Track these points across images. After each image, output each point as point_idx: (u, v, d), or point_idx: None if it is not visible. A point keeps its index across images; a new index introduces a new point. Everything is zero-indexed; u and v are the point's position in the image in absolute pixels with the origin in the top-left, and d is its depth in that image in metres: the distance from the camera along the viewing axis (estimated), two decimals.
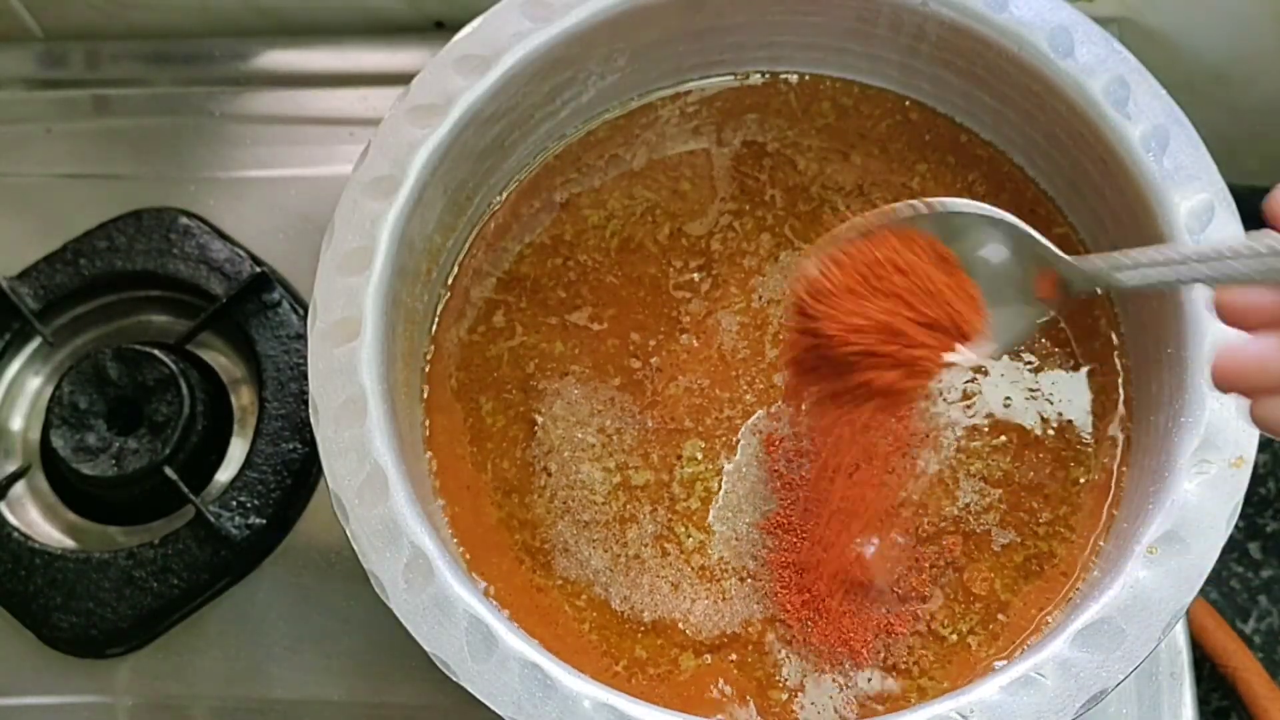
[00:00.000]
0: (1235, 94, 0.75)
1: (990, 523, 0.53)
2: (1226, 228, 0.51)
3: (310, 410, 0.50)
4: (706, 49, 0.60)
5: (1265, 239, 0.36)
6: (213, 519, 0.61)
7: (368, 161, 0.53)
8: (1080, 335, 0.56)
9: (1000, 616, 0.52)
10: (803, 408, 0.55)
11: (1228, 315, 0.37)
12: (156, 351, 0.64)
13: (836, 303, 0.45)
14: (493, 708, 0.45)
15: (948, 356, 0.45)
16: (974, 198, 0.58)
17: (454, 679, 0.46)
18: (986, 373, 0.55)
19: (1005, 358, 0.56)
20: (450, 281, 0.58)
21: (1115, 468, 0.54)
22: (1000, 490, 0.54)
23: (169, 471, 0.62)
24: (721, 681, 0.51)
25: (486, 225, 0.59)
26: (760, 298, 0.57)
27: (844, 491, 0.53)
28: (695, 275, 0.58)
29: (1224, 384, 0.37)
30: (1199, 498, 0.47)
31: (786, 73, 0.61)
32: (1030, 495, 0.53)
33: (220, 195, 0.70)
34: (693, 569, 0.53)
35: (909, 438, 0.54)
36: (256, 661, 0.60)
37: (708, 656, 0.51)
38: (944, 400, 0.55)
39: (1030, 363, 0.56)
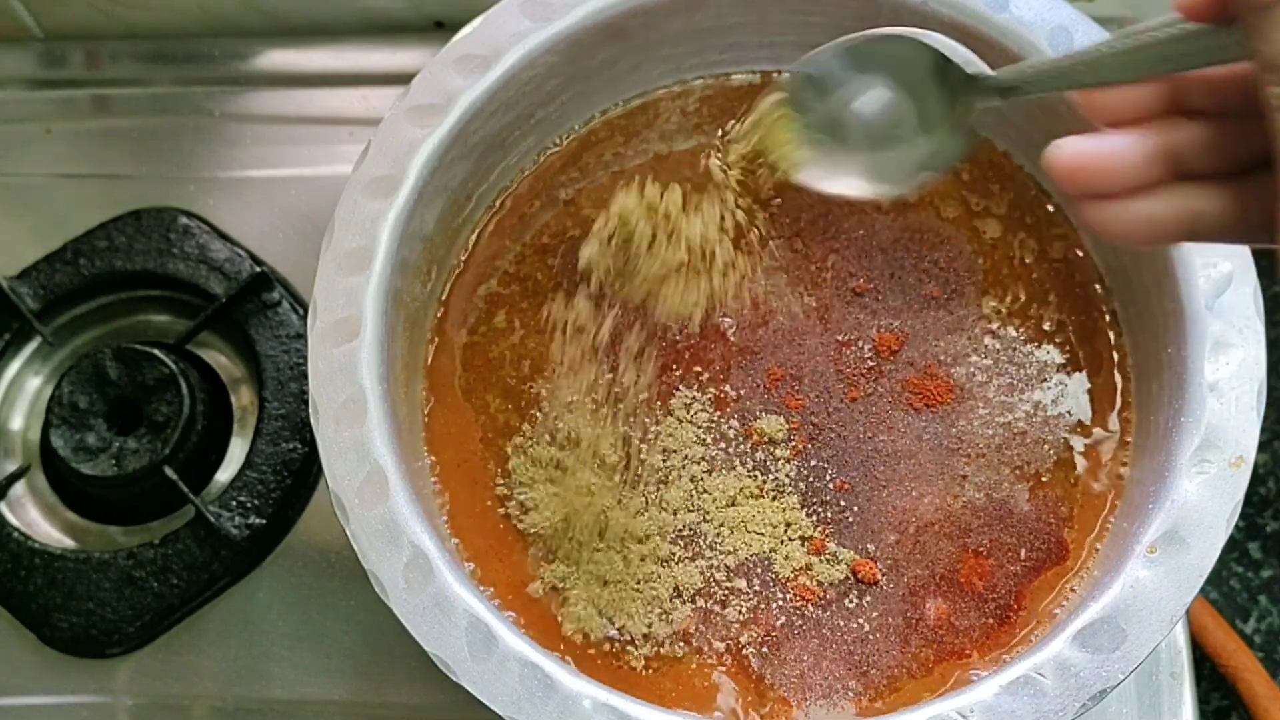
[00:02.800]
0: None
1: (989, 522, 0.53)
2: None
3: (310, 410, 0.50)
4: (706, 49, 0.60)
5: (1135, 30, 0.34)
6: (213, 519, 0.61)
7: (368, 161, 0.53)
8: (1080, 335, 0.56)
9: (1000, 615, 0.52)
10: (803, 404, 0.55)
11: (1093, 110, 0.35)
12: (156, 351, 0.64)
13: None
14: (493, 708, 0.45)
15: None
16: (974, 195, 0.59)
17: (454, 679, 0.46)
18: (986, 371, 0.55)
19: (1006, 356, 0.56)
20: (451, 281, 0.58)
21: (1115, 467, 0.54)
22: (999, 492, 0.54)
23: (169, 471, 0.62)
24: (722, 677, 0.51)
25: (487, 224, 0.59)
26: (758, 293, 0.57)
27: (843, 489, 0.54)
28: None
29: (1064, 177, 0.34)
30: (1199, 498, 0.47)
31: (786, 72, 0.61)
32: (1030, 495, 0.53)
33: (220, 195, 0.70)
34: (693, 567, 0.53)
35: (906, 439, 0.54)
36: (256, 661, 0.60)
37: (707, 653, 0.51)
38: (943, 399, 0.55)
39: (1030, 362, 0.56)
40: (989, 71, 0.41)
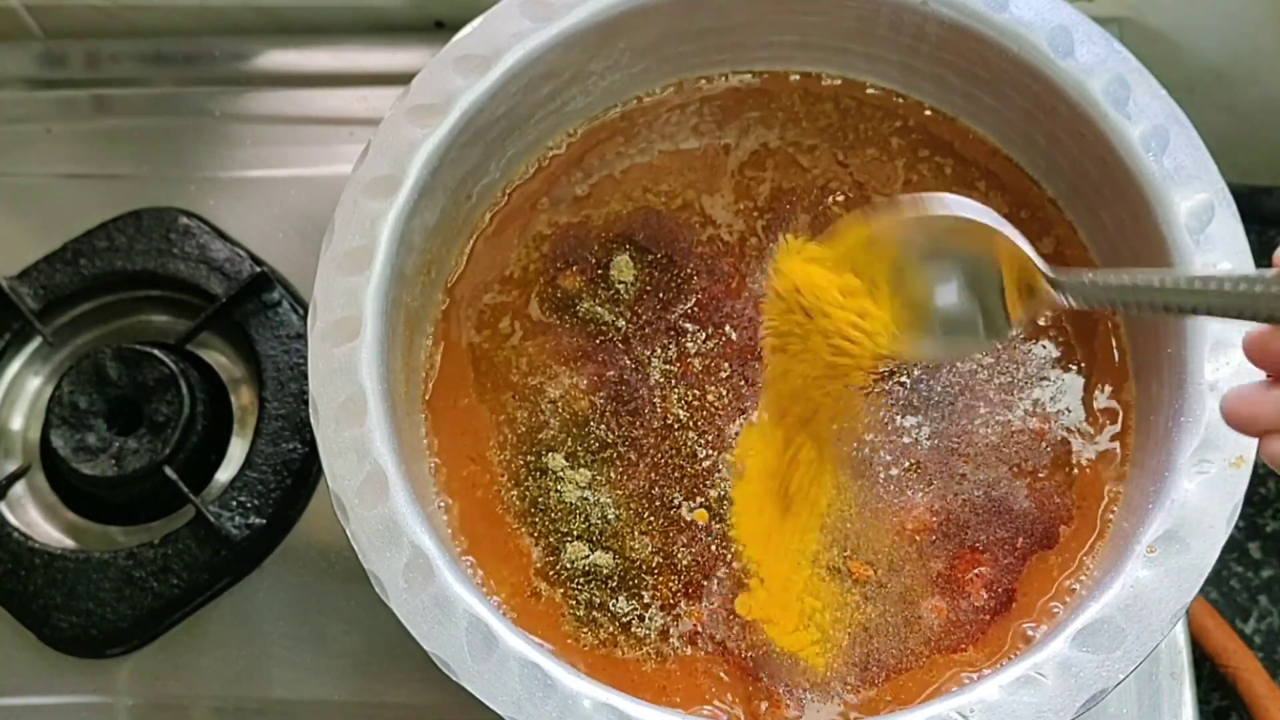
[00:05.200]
0: (1235, 94, 0.75)
1: (988, 521, 0.53)
2: (1226, 227, 0.51)
3: (310, 410, 0.50)
4: (706, 49, 0.60)
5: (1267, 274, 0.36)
6: (213, 519, 0.61)
7: (368, 161, 0.53)
8: (1080, 335, 0.56)
9: (997, 613, 0.52)
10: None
11: (1253, 355, 0.39)
12: (156, 351, 0.64)
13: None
14: (493, 707, 0.45)
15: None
16: (972, 194, 0.59)
17: (454, 679, 0.46)
18: (986, 370, 0.55)
19: (1006, 355, 0.56)
20: (452, 280, 0.58)
21: (1115, 467, 0.54)
22: (997, 490, 0.54)
23: (169, 471, 0.62)
24: (722, 674, 0.51)
25: (488, 224, 0.59)
26: (758, 296, 0.57)
27: (842, 487, 0.54)
28: (695, 275, 0.58)
29: (1235, 423, 0.39)
30: (1199, 498, 0.47)
31: (787, 72, 0.61)
32: (1028, 495, 0.53)
33: (220, 195, 0.70)
34: (693, 565, 0.53)
35: (905, 437, 0.54)
36: (256, 661, 0.60)
37: (709, 651, 0.51)
38: (942, 398, 0.55)
39: (1030, 361, 0.56)
40: (1059, 279, 0.43)
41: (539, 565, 0.53)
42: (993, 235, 0.44)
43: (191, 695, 0.60)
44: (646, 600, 0.52)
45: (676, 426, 0.55)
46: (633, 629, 0.52)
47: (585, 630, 0.52)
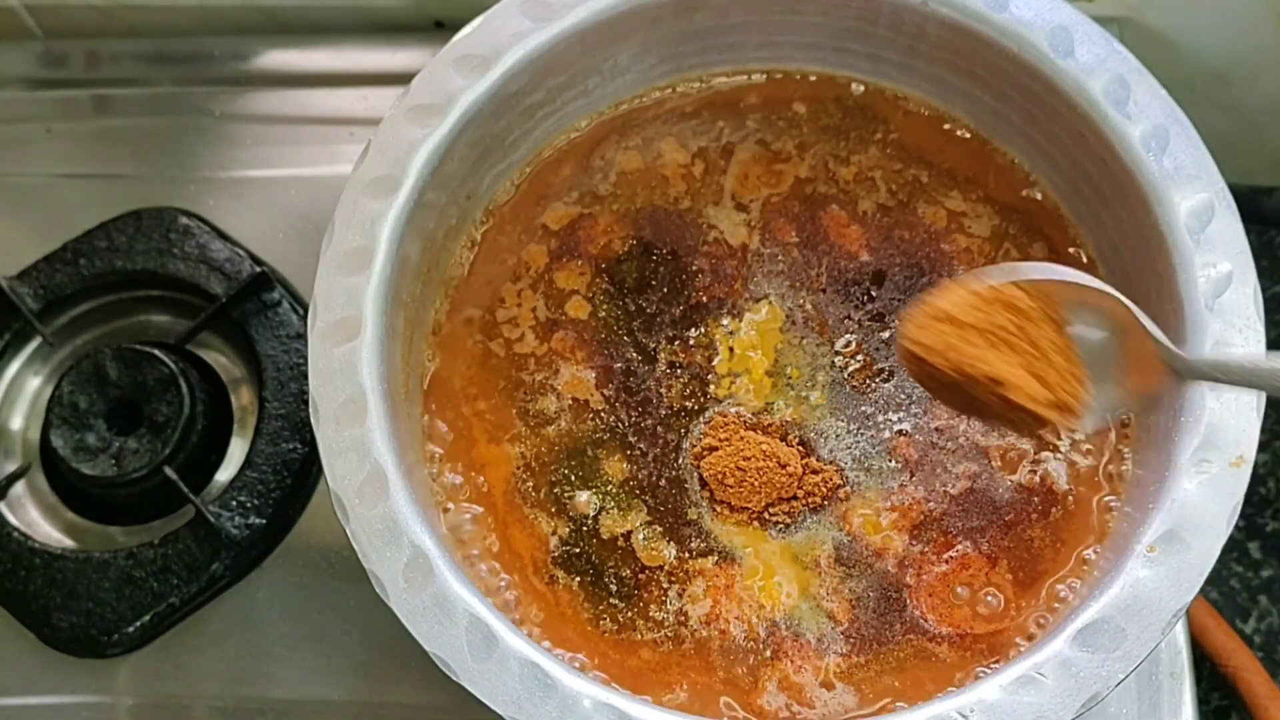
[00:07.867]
0: (1235, 94, 0.75)
1: (985, 523, 0.53)
2: (1226, 227, 0.51)
3: (310, 410, 0.50)
4: (706, 49, 0.60)
5: None
6: (213, 519, 0.61)
7: (368, 161, 0.53)
8: None
9: (993, 612, 0.52)
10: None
11: None
12: (156, 351, 0.64)
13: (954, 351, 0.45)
14: (493, 707, 0.45)
15: (1047, 422, 0.45)
16: (971, 193, 0.59)
17: (454, 679, 0.46)
18: None
19: None
20: (452, 279, 0.58)
21: (1114, 467, 0.54)
22: (994, 488, 0.54)
23: (169, 471, 0.62)
24: (725, 664, 0.51)
25: (488, 224, 0.59)
26: (757, 298, 0.57)
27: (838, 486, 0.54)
28: (696, 275, 0.58)
29: None
30: (1199, 497, 0.47)
31: (787, 72, 0.61)
32: (1026, 494, 0.54)
33: (220, 195, 0.70)
34: (705, 549, 0.53)
35: (899, 436, 0.54)
36: (256, 661, 0.60)
37: (708, 643, 0.51)
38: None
39: None
40: (1186, 358, 0.43)
41: (556, 554, 0.53)
42: (1115, 308, 0.44)
43: (191, 695, 0.60)
44: (664, 585, 0.52)
45: (685, 415, 0.55)
46: (650, 613, 0.52)
47: (603, 616, 0.52)
